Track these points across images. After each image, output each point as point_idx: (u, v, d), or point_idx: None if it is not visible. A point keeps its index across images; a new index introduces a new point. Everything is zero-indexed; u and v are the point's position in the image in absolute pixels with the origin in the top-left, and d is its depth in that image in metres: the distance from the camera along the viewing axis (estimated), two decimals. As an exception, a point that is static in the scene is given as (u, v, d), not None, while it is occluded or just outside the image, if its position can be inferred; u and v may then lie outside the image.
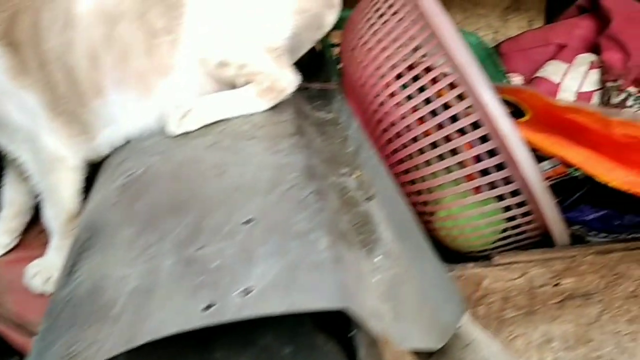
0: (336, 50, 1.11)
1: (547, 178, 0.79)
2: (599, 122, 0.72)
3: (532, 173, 0.74)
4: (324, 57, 1.03)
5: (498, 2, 1.53)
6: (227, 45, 0.71)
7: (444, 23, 0.77)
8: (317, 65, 1.06)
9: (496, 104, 0.73)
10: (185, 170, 0.64)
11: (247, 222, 0.51)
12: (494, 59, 1.22)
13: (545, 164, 0.79)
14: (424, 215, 0.87)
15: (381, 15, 0.87)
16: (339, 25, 1.01)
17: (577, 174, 0.74)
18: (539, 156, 0.79)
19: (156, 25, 0.71)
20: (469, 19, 1.52)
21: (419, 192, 0.85)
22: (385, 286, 0.50)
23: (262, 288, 0.42)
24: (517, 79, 1.27)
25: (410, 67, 0.82)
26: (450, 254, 0.90)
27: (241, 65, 0.72)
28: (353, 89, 0.93)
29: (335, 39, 1.13)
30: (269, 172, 0.60)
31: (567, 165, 0.75)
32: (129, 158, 0.73)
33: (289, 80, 0.75)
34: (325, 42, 1.05)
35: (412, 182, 0.85)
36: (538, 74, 1.23)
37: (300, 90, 0.81)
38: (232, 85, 0.74)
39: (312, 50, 1.09)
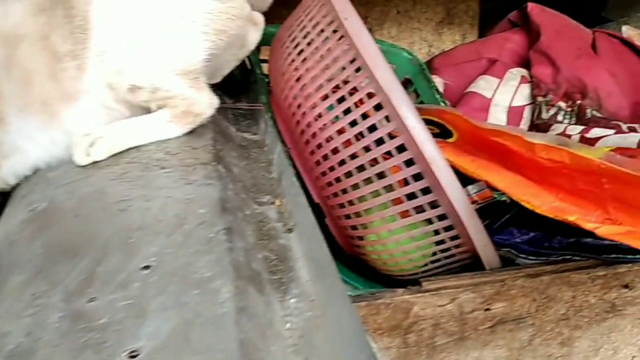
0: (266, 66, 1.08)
1: (474, 202, 0.78)
2: (523, 145, 0.71)
3: (458, 198, 0.73)
4: (254, 75, 0.99)
5: (432, 16, 1.53)
6: (137, 69, 0.67)
7: (368, 44, 0.75)
8: (246, 83, 1.02)
9: (420, 128, 0.72)
10: (88, 206, 0.59)
11: (145, 267, 0.47)
12: (426, 75, 1.21)
13: (472, 188, 0.78)
14: (354, 240, 0.85)
15: (307, 35, 0.85)
16: (269, 40, 0.98)
17: (503, 198, 0.73)
18: (467, 178, 0.78)
19: (60, 49, 0.66)
20: (403, 32, 1.52)
21: (348, 216, 0.83)
22: (298, 334, 0.47)
23: (151, 350, 0.38)
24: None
25: (336, 88, 0.79)
26: (382, 278, 0.89)
27: (154, 90, 0.68)
28: (281, 108, 0.90)
29: (265, 55, 1.10)
30: (177, 207, 0.56)
31: (493, 189, 0.74)
32: (33, 190, 0.67)
33: (207, 104, 0.71)
34: (254, 59, 1.01)
35: (341, 205, 0.82)
36: (470, 89, 1.23)
37: (225, 110, 0.78)
38: (146, 110, 0.70)
39: (243, 66, 1.05)
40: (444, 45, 1.56)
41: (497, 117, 1.20)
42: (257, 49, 1.06)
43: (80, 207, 0.59)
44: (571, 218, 0.63)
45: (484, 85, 1.22)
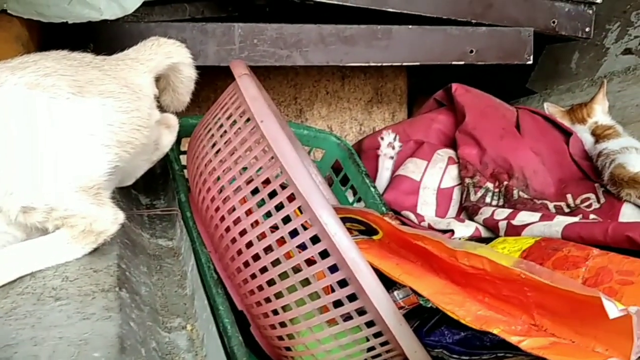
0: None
1: (400, 307, 0.75)
2: (444, 251, 0.69)
3: (384, 305, 0.69)
4: (173, 173, 0.95)
5: (361, 96, 1.55)
6: (29, 189, 0.62)
7: (285, 148, 0.73)
8: (165, 181, 0.98)
9: (342, 235, 0.69)
10: (-34, 353, 0.52)
11: None
12: (355, 159, 1.20)
13: (398, 294, 0.75)
14: (282, 350, 0.80)
15: (224, 134, 0.82)
16: (190, 131, 0.94)
17: (429, 304, 0.70)
18: (393, 282, 0.75)
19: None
20: (333, 112, 1.53)
21: (273, 326, 0.78)
22: None
23: None
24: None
25: (256, 191, 0.76)
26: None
27: (49, 209, 0.63)
28: (199, 210, 0.85)
29: (186, 146, 1.06)
30: (69, 351, 0.50)
31: (419, 295, 0.72)
32: None
33: (110, 220, 0.66)
34: (172, 154, 0.97)
35: (265, 315, 0.78)
36: (399, 172, 1.23)
37: (140, 215, 0.73)
38: (43, 232, 0.64)
39: (165, 162, 1.01)
40: (374, 123, 1.57)
41: (427, 199, 1.19)
42: (178, 141, 1.03)
43: (-42, 355, 0.52)
44: (495, 330, 0.60)
45: (412, 168, 1.22)
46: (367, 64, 1.28)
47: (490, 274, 0.66)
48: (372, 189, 1.16)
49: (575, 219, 0.99)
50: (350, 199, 1.21)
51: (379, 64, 1.29)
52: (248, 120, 0.79)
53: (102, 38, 1.11)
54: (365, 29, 1.27)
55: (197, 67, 1.17)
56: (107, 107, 0.66)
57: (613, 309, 0.57)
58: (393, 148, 1.23)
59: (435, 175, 1.22)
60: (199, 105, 1.37)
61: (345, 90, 1.53)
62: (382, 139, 1.24)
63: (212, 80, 1.38)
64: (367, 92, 1.56)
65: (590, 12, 1.51)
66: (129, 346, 0.52)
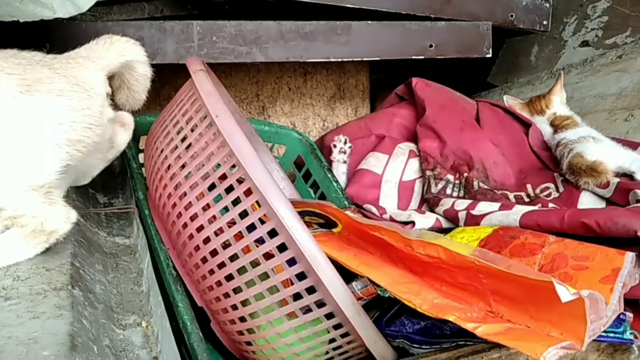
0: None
1: (359, 299, 0.76)
2: (401, 241, 0.70)
3: (343, 297, 0.70)
4: (130, 171, 0.94)
5: (323, 92, 1.55)
6: (-24, 188, 0.60)
7: (241, 142, 0.72)
8: (124, 179, 0.97)
9: (299, 228, 0.69)
10: None
11: None
12: (317, 154, 1.20)
13: (356, 285, 0.76)
14: (242, 345, 0.80)
15: (180, 130, 0.81)
16: (148, 129, 0.93)
17: (387, 294, 0.71)
18: (352, 274, 0.75)
19: None
20: (296, 109, 1.52)
21: (233, 322, 0.77)
22: None
23: None
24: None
25: (212, 186, 0.76)
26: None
27: (-2, 209, 0.61)
28: (156, 207, 0.84)
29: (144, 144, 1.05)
30: (17, 350, 0.49)
31: (377, 285, 0.72)
32: None
33: (62, 219, 0.65)
34: (129, 152, 0.95)
35: (225, 310, 0.77)
36: (361, 166, 1.23)
37: (98, 213, 0.72)
38: (-7, 231, 0.63)
39: (123, 159, 0.99)
40: (337, 119, 1.58)
41: (389, 192, 1.20)
42: (136, 139, 1.02)
43: None
44: (451, 318, 0.61)
45: (374, 162, 1.22)
46: (327, 60, 1.28)
47: (445, 262, 0.66)
48: (335, 184, 1.16)
49: (534, 208, 1.01)
50: (313, 194, 1.21)
51: (339, 60, 1.29)
52: (205, 116, 0.78)
53: (58, 37, 1.09)
54: (325, 25, 1.27)
55: (157, 65, 1.16)
56: (57, 106, 0.64)
57: (565, 293, 0.58)
58: (344, 152, 1.24)
59: (396, 168, 1.22)
60: (160, 104, 1.36)
61: (307, 86, 1.53)
62: (334, 146, 1.24)
63: (173, 78, 1.36)
64: (330, 88, 1.56)
65: (548, 5, 1.54)
66: (80, 344, 0.51)
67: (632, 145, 1.16)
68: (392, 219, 1.11)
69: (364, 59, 1.35)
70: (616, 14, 1.55)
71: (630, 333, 0.82)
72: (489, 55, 1.45)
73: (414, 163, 1.24)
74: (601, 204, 1.07)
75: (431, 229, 1.06)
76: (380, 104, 1.50)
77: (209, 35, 1.20)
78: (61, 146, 0.64)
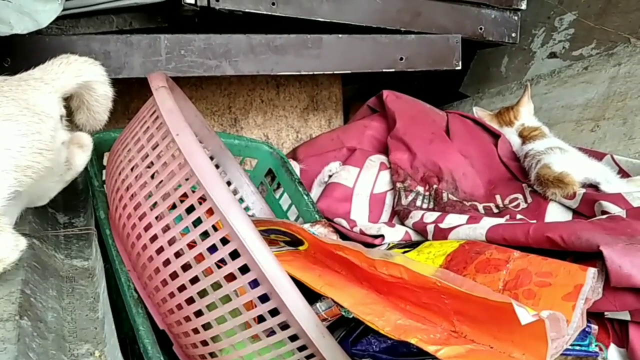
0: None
1: (324, 320, 0.75)
2: (364, 261, 0.69)
3: (307, 319, 0.68)
4: (92, 190, 0.92)
5: (296, 104, 1.54)
6: None
7: (201, 161, 0.71)
8: (86, 197, 0.95)
9: (261, 248, 0.67)
10: None
11: None
12: (288, 167, 1.19)
13: (321, 305, 0.75)
14: (205, 369, 0.78)
15: (141, 149, 0.80)
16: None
17: (350, 315, 0.70)
18: (317, 294, 0.74)
19: None
20: (269, 120, 1.52)
21: (195, 345, 0.76)
22: None
23: None
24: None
25: (173, 207, 0.74)
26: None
27: (-56, 236, 0.59)
28: (117, 228, 0.83)
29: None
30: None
31: (341, 306, 0.71)
32: None
33: (10, 247, 0.63)
34: (92, 170, 0.93)
35: (186, 334, 0.76)
36: (332, 180, 1.23)
37: (56, 235, 0.70)
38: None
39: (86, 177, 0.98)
40: (310, 130, 1.57)
41: (360, 205, 1.19)
42: (100, 155, 1.00)
43: None
44: (413, 340, 0.60)
45: (345, 175, 1.22)
46: (298, 73, 1.27)
47: (408, 282, 0.66)
48: (306, 197, 1.15)
49: (500, 220, 1.01)
50: (285, 207, 1.20)
51: (310, 73, 1.29)
52: (166, 135, 0.77)
53: (19, 52, 1.07)
54: (295, 39, 1.27)
55: (125, 80, 1.14)
56: (4, 131, 0.62)
57: (525, 315, 0.58)
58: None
59: (367, 181, 1.22)
60: (128, 117, 1.34)
61: (280, 98, 1.53)
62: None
63: (142, 92, 1.35)
64: (303, 100, 1.55)
65: (516, 18, 1.55)
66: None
67: (598, 156, 1.17)
68: (362, 232, 1.10)
69: (335, 72, 1.34)
70: (582, 27, 1.56)
71: (596, 345, 0.83)
72: (459, 68, 1.46)
73: (385, 175, 1.24)
74: (568, 215, 1.08)
75: (400, 242, 1.05)
76: (354, 116, 1.50)
77: (177, 48, 1.19)
78: (9, 172, 0.62)
